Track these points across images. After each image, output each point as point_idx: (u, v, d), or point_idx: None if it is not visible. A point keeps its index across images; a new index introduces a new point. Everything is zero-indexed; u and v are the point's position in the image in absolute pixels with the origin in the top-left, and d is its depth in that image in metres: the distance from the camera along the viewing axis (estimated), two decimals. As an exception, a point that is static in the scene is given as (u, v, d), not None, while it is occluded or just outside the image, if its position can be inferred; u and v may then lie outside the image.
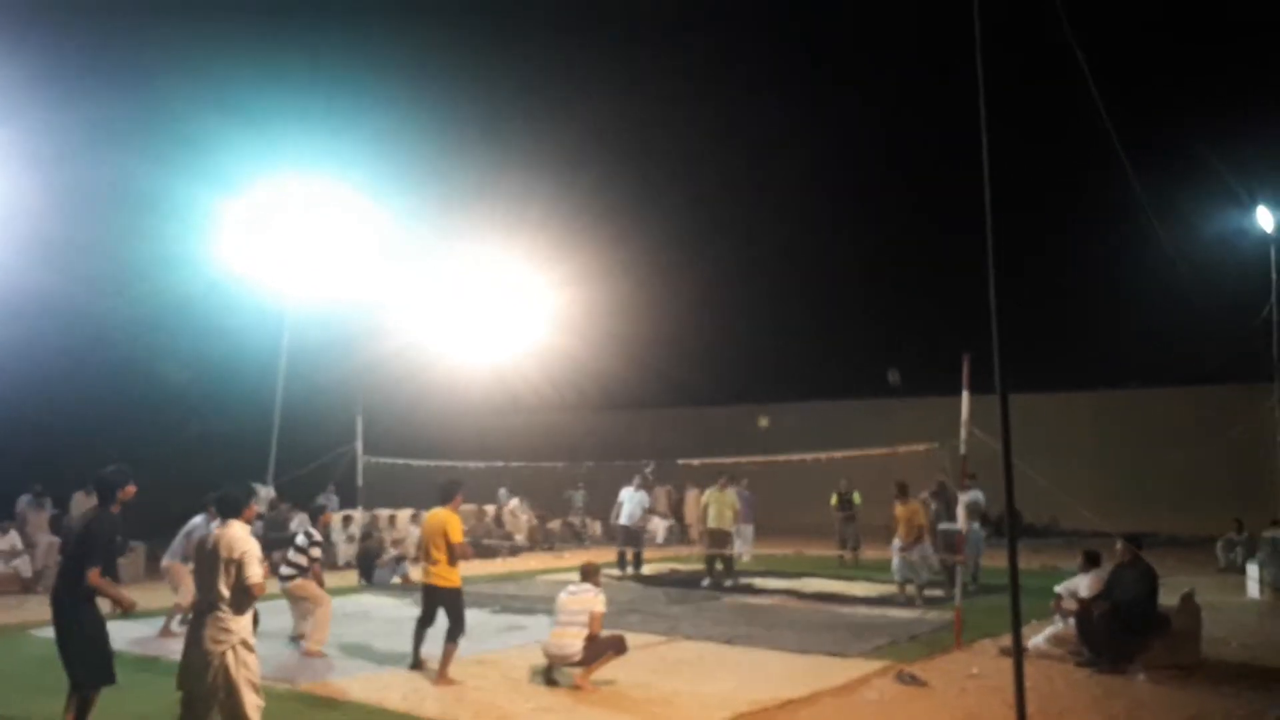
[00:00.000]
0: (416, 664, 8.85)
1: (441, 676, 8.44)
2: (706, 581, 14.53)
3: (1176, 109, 20.94)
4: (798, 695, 7.77)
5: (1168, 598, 9.41)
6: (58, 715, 7.18)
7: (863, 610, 12.35)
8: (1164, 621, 9.08)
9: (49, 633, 10.47)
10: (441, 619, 8.67)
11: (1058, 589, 9.77)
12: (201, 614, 5.79)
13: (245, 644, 5.75)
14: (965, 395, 9.93)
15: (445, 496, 8.92)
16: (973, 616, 10.37)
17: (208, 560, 5.82)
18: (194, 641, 5.75)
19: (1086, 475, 20.45)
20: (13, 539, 14.24)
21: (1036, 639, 9.39)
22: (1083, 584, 9.42)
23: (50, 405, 20.61)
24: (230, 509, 6.00)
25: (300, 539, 10.28)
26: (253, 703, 5.73)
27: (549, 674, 8.33)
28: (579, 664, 8.16)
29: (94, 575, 6.18)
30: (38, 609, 12.37)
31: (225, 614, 5.68)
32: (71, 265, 17.76)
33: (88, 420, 20.98)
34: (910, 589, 12.93)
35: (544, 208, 19.65)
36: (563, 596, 8.48)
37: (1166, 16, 21.57)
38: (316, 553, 10.15)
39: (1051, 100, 14.94)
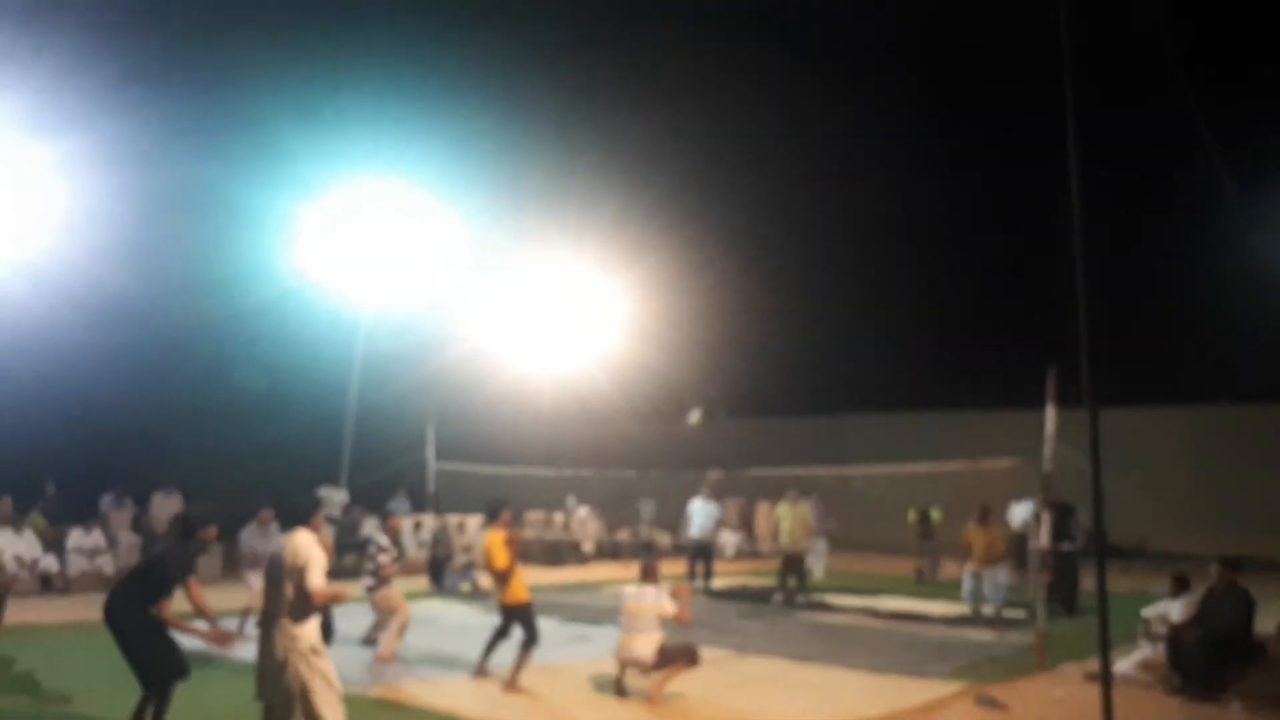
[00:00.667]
0: (480, 671, 8.85)
1: (511, 684, 8.47)
2: (779, 597, 14.28)
3: (1273, 102, 19.98)
4: (873, 716, 7.58)
5: (1264, 625, 8.94)
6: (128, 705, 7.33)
7: (940, 630, 12.01)
8: (1260, 649, 8.64)
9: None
10: (516, 630, 8.77)
11: (1146, 613, 9.37)
12: (270, 623, 5.80)
13: (314, 650, 5.72)
14: (1050, 409, 9.58)
15: (492, 516, 9.08)
16: (1056, 639, 10.00)
17: (274, 569, 5.85)
18: (265, 651, 5.76)
19: (1178, 495, 19.64)
20: (96, 537, 14.65)
21: (1123, 664, 8.99)
22: (1174, 609, 9.02)
23: (132, 408, 21.26)
24: (296, 517, 6.03)
25: (370, 548, 10.37)
26: (330, 703, 5.70)
27: (619, 684, 8.24)
28: (654, 667, 8.05)
29: (165, 609, 6.40)
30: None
31: (290, 622, 5.68)
32: (150, 271, 18.25)
33: (168, 424, 21.60)
34: (988, 610, 12.54)
35: (617, 212, 19.58)
36: (627, 602, 8.39)
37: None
38: (385, 559, 10.22)
39: (1140, 94, 14.39)
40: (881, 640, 11.11)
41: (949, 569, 16.56)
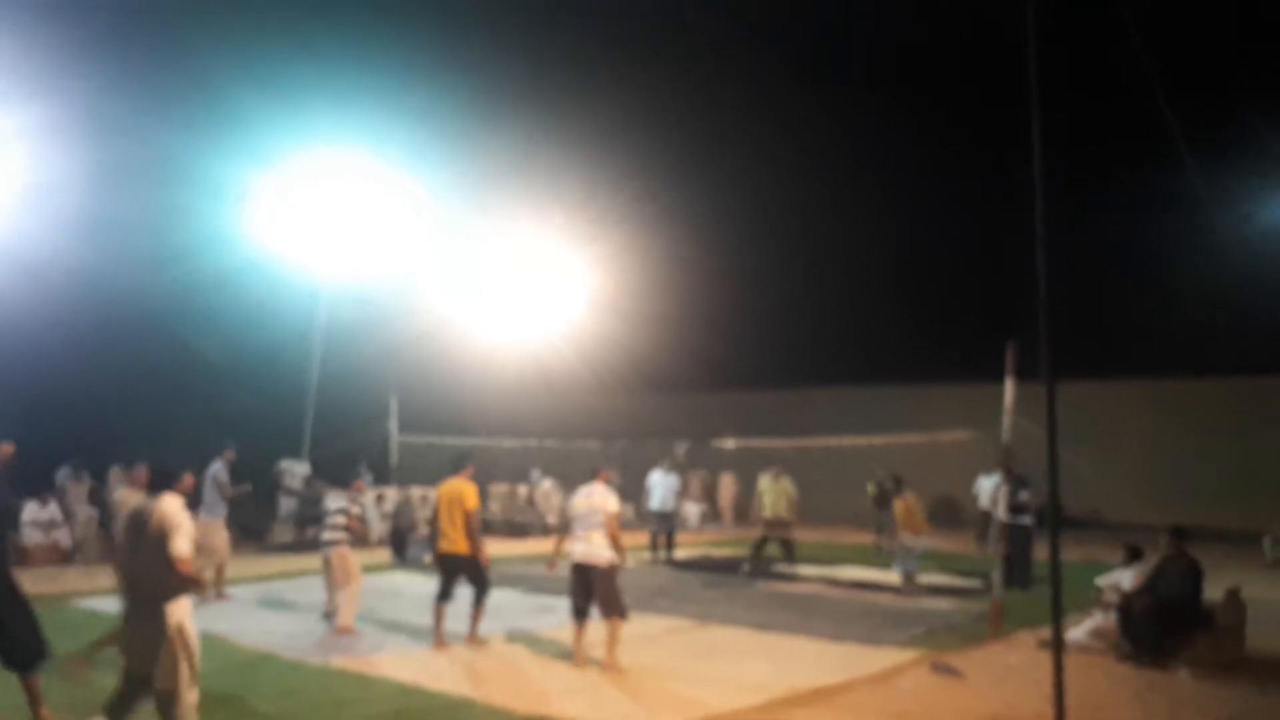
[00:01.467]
0: (439, 643, 8.86)
1: (472, 638, 8.69)
2: (747, 567, 14.40)
3: (1235, 89, 20.27)
4: (832, 683, 7.71)
5: (1213, 593, 9.18)
6: (101, 683, 7.28)
7: (898, 599, 12.21)
8: (1208, 617, 8.87)
9: (90, 602, 10.75)
10: (462, 594, 8.79)
11: (1099, 581, 9.58)
12: (136, 593, 5.38)
13: (181, 628, 5.24)
14: (1009, 382, 9.72)
15: (457, 466, 9.10)
16: (1011, 608, 10.20)
17: (138, 535, 5.33)
18: (133, 621, 5.34)
19: (1133, 466, 20.04)
20: (52, 510, 14.46)
21: (1076, 632, 9.20)
22: (1125, 577, 9.23)
23: (89, 380, 20.90)
24: (163, 481, 5.51)
25: (332, 504, 10.29)
26: (190, 686, 5.27)
27: (576, 655, 8.30)
28: (600, 602, 8.13)
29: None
30: (78, 579, 12.62)
31: (156, 595, 5.21)
32: (108, 241, 17.88)
33: (126, 395, 21.28)
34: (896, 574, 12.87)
35: (581, 184, 19.47)
36: (577, 501, 8.43)
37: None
38: (356, 510, 10.19)
39: (1104, 74, 14.52)
40: (841, 609, 11.28)
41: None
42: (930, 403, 22.78)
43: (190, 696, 5.25)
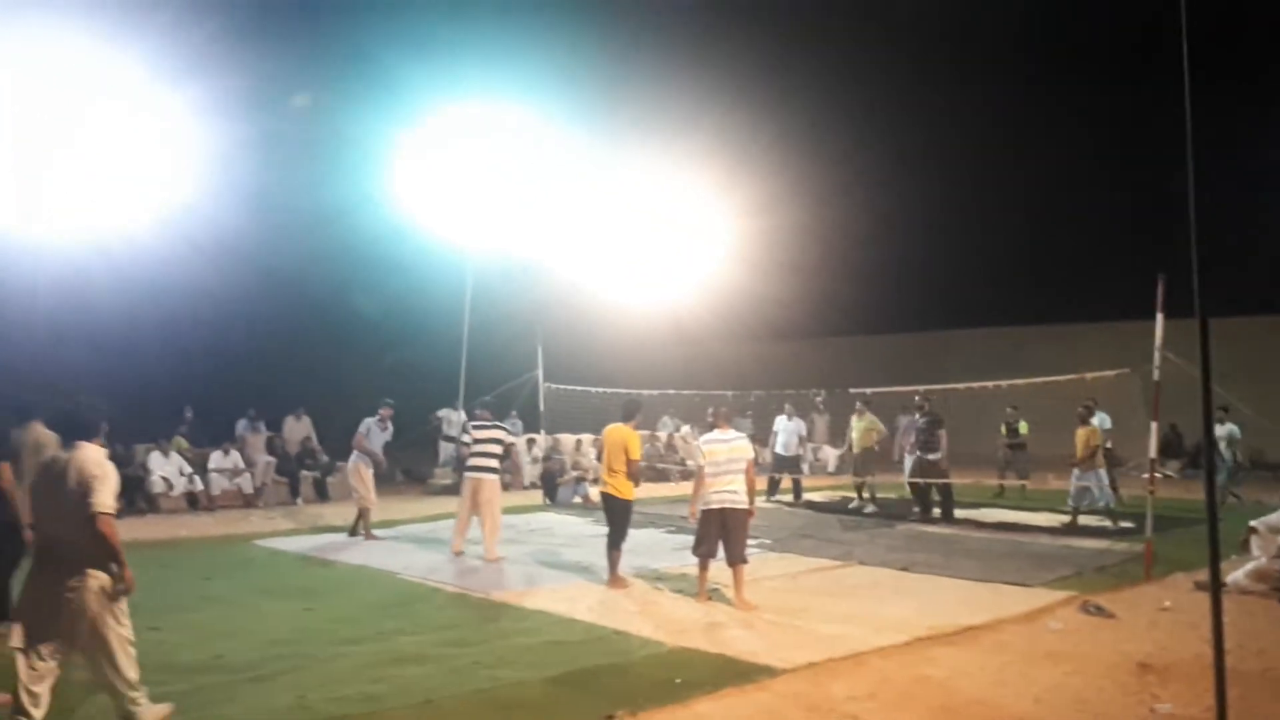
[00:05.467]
0: (623, 585, 9.25)
1: (613, 579, 9.09)
2: (869, 508, 14.80)
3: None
4: (978, 622, 7.71)
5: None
6: (284, 612, 8.03)
7: (1045, 540, 12.04)
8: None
9: (271, 542, 11.71)
10: (637, 533, 9.31)
11: (1254, 523, 9.23)
12: (49, 550, 4.91)
13: (105, 589, 4.83)
14: (1159, 319, 9.40)
15: (627, 415, 9.45)
16: (1165, 549, 9.95)
17: (53, 486, 4.86)
18: (40, 581, 4.88)
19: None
20: (234, 459, 15.70)
21: (1236, 574, 8.91)
22: (1288, 518, 8.88)
23: (262, 339, 22.50)
24: (79, 430, 5.04)
25: (480, 432, 10.90)
26: (127, 651, 4.93)
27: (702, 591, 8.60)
28: (732, 546, 8.38)
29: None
30: (260, 522, 13.73)
31: (80, 550, 4.81)
32: (270, 207, 19.11)
33: (296, 352, 22.82)
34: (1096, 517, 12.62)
35: (716, 136, 19.49)
36: (717, 446, 8.60)
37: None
38: (511, 441, 10.82)
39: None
40: (986, 550, 11.21)
41: (1046, 481, 16.43)
42: (1076, 342, 21.99)
43: None
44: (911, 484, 14.44)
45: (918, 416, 14.33)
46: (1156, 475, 10.05)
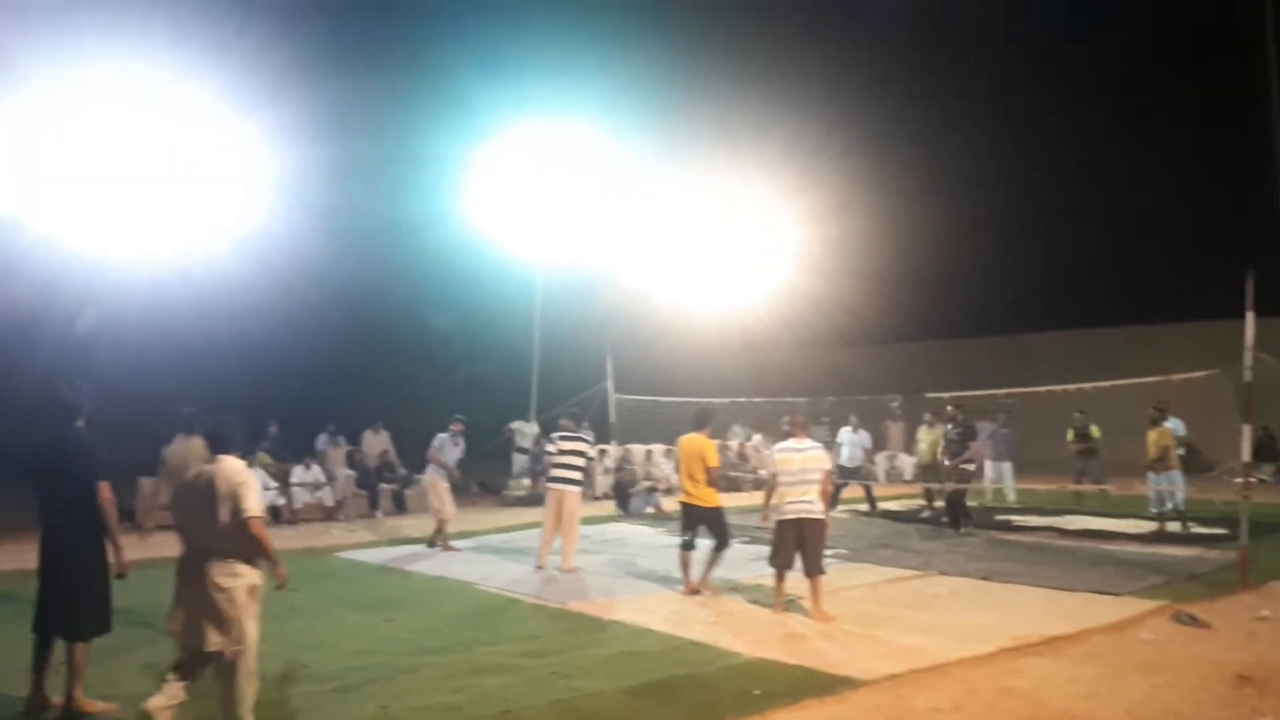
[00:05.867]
0: (688, 588, 9.28)
1: (704, 582, 9.11)
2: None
3: None
4: (1064, 632, 7.52)
5: None
6: (365, 623, 8.17)
7: (1133, 548, 11.69)
8: None
9: (352, 554, 11.93)
10: (703, 541, 9.23)
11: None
12: (198, 558, 5.16)
13: (251, 591, 5.18)
14: (1250, 317, 9.06)
15: (699, 423, 9.47)
16: (1261, 556, 9.59)
17: (201, 498, 5.16)
18: (191, 590, 5.13)
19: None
20: (315, 473, 16.06)
21: (1340, 582, 8.56)
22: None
23: (340, 356, 23.06)
24: (224, 444, 5.40)
25: (564, 443, 10.94)
26: (252, 661, 5.19)
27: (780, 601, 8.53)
28: (808, 558, 8.29)
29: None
30: (340, 534, 14.02)
31: (230, 553, 5.12)
32: (345, 226, 19.59)
33: (373, 368, 23.35)
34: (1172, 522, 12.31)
35: (785, 145, 19.40)
36: (791, 455, 8.54)
37: None
38: (593, 453, 10.91)
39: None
40: (1070, 558, 10.93)
41: (1131, 487, 15.92)
42: (1160, 343, 21.31)
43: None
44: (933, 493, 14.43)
45: (950, 427, 13.98)
46: (1250, 480, 9.68)
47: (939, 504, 14.93)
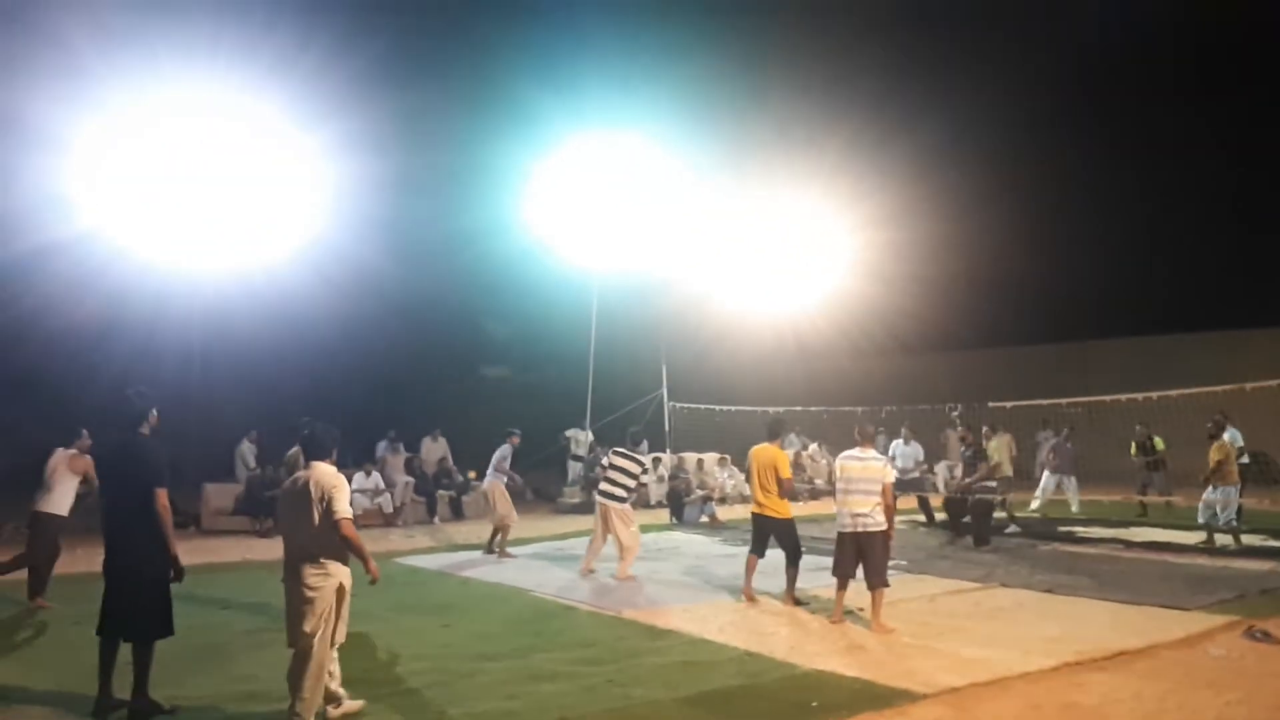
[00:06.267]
0: (749, 595, 9.29)
1: (788, 597, 9.11)
2: (1012, 527, 14.30)
3: None
4: (1130, 647, 7.32)
5: None
6: (424, 628, 8.26)
7: (1202, 561, 11.35)
8: None
9: (411, 559, 12.08)
10: (772, 553, 9.22)
11: None
12: (297, 557, 5.61)
13: (340, 591, 5.62)
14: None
15: (772, 434, 9.49)
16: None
17: (298, 502, 5.59)
18: (290, 590, 5.61)
19: None
20: (375, 480, 16.29)
21: None
22: None
23: (400, 365, 23.42)
24: (318, 451, 5.77)
25: (618, 459, 11.00)
26: (320, 668, 5.56)
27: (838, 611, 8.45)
28: (871, 570, 8.21)
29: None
30: (399, 540, 14.21)
31: (324, 552, 5.56)
32: (405, 238, 19.90)
33: (432, 377, 23.66)
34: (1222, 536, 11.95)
35: (844, 148, 19.25)
36: (851, 464, 8.46)
37: None
38: (640, 471, 10.96)
39: None
40: (1136, 571, 10.65)
41: (1189, 498, 15.48)
42: (1234, 350, 20.70)
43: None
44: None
45: (965, 449, 13.77)
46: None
47: (1004, 514, 14.56)
